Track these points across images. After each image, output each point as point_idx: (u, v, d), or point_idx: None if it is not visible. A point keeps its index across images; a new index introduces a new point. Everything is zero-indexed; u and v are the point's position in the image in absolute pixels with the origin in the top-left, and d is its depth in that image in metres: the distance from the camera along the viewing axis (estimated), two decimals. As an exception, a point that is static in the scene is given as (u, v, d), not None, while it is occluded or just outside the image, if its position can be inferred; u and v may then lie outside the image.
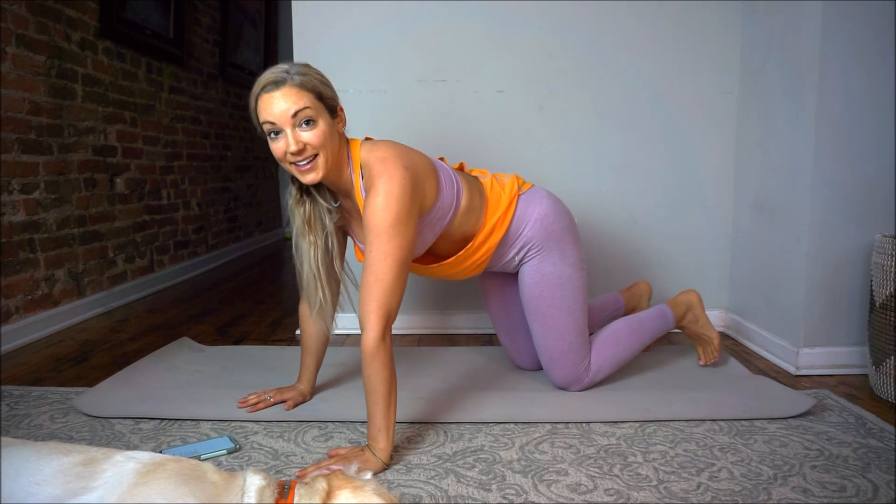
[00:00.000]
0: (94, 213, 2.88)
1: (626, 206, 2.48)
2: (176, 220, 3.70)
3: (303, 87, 1.40)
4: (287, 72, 1.41)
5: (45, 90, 2.53)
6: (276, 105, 1.39)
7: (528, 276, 1.76)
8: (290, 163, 1.45)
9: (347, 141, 1.55)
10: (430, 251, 1.71)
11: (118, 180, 3.07)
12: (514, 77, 2.42)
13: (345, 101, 2.40)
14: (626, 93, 2.43)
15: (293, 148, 1.41)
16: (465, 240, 1.70)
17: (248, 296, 3.26)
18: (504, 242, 1.72)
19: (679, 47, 2.41)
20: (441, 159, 1.70)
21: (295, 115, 1.39)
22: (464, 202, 1.64)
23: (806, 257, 2.00)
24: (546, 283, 1.74)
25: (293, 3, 2.39)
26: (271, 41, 5.47)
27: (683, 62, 2.42)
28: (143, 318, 2.80)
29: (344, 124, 1.51)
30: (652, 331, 1.93)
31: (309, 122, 1.41)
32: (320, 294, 1.57)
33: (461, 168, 1.80)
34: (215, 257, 4.27)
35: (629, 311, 2.19)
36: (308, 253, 1.56)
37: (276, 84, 1.40)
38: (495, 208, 1.69)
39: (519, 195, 1.74)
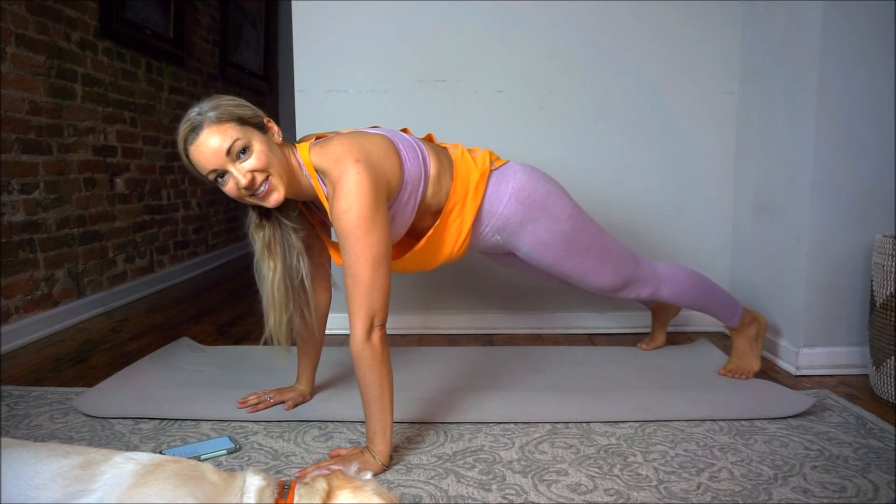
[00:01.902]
0: (94, 213, 2.88)
1: (625, 206, 2.48)
2: (176, 220, 3.70)
3: (220, 120, 1.37)
4: (200, 113, 1.38)
5: (45, 90, 2.53)
6: (206, 149, 1.37)
7: (531, 252, 1.71)
8: (248, 196, 1.43)
9: (294, 146, 1.51)
10: (409, 234, 1.66)
11: (118, 180, 3.07)
12: (514, 77, 2.42)
13: (345, 100, 2.42)
14: (626, 93, 2.43)
15: (244, 182, 1.38)
16: (440, 213, 1.63)
17: (248, 296, 3.26)
18: (479, 221, 1.65)
19: (679, 47, 2.41)
20: (404, 130, 1.65)
21: (228, 151, 1.37)
22: (433, 169, 1.56)
23: (806, 257, 2.00)
24: (551, 247, 1.69)
25: (293, 3, 2.39)
26: (271, 41, 5.46)
27: (683, 62, 2.42)
28: (143, 318, 2.80)
29: (278, 134, 1.46)
30: (719, 301, 1.93)
31: (244, 150, 1.38)
32: (273, 319, 1.53)
33: (430, 139, 1.72)
34: (215, 257, 4.27)
35: (659, 307, 2.26)
36: (267, 277, 1.53)
37: (196, 130, 1.37)
38: (465, 178, 1.61)
39: (491, 171, 1.65)
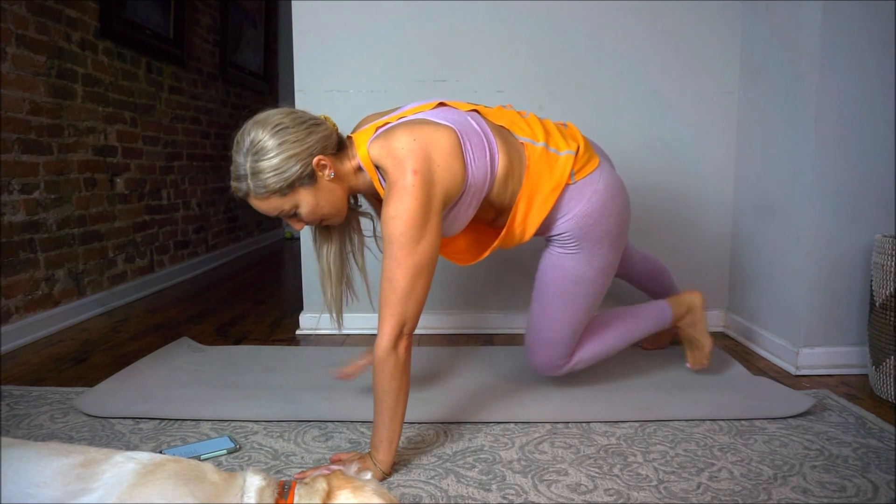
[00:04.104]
0: (94, 213, 2.88)
1: (626, 206, 2.49)
2: (176, 220, 3.70)
3: (265, 195, 1.36)
4: (243, 176, 1.35)
5: (45, 90, 2.53)
6: (260, 210, 1.42)
7: (548, 257, 1.67)
8: None
9: (352, 147, 1.46)
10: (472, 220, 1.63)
11: (118, 180, 3.07)
12: (514, 77, 2.42)
13: (345, 100, 2.43)
14: (626, 93, 2.43)
15: (298, 231, 1.51)
16: (505, 210, 1.59)
17: (248, 296, 3.26)
18: (539, 228, 1.63)
19: (679, 47, 2.41)
20: (475, 109, 1.56)
21: (277, 216, 1.44)
22: (500, 169, 1.50)
23: (806, 257, 2.00)
24: (561, 274, 1.65)
25: (293, 3, 2.39)
26: (271, 41, 5.47)
27: (683, 62, 2.42)
28: (143, 318, 2.80)
29: (331, 169, 1.40)
30: (645, 328, 1.86)
31: (294, 213, 1.42)
32: (329, 292, 1.59)
33: (510, 119, 1.60)
34: (215, 257, 4.27)
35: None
36: (322, 250, 1.58)
37: (244, 195, 1.39)
38: (535, 185, 1.54)
39: (568, 185, 1.57)
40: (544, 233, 1.66)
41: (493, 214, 1.63)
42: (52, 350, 2.31)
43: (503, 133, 1.55)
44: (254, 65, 5.00)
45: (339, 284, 1.59)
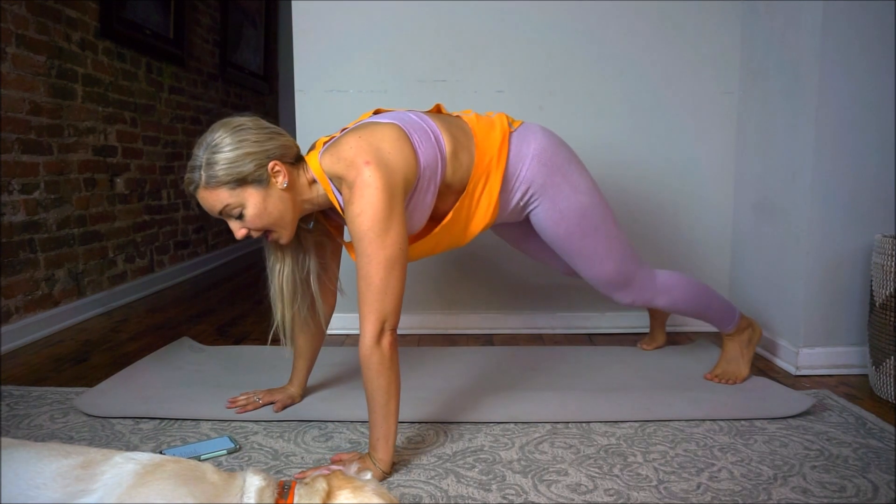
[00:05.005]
0: (94, 213, 2.88)
1: (625, 207, 2.48)
2: (176, 220, 3.70)
3: (214, 186, 1.37)
4: (198, 167, 1.37)
5: (45, 90, 2.53)
6: (203, 206, 1.42)
7: (544, 219, 1.66)
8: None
9: (304, 164, 1.47)
10: (432, 219, 1.62)
11: (118, 180, 3.07)
12: (514, 77, 2.42)
13: (345, 100, 2.43)
14: (626, 93, 2.43)
15: (239, 236, 1.44)
16: (465, 188, 1.57)
17: (248, 296, 3.26)
18: (504, 187, 1.60)
19: (679, 47, 2.41)
20: (408, 110, 1.59)
21: (221, 212, 1.41)
22: (448, 146, 1.50)
23: (806, 257, 2.00)
24: (568, 219, 1.64)
25: (293, 3, 2.39)
26: (271, 41, 5.46)
27: (683, 62, 2.42)
28: (143, 318, 2.80)
29: (285, 177, 1.41)
30: (719, 307, 1.88)
31: (238, 213, 1.40)
32: (279, 314, 1.54)
33: (438, 110, 1.65)
34: (215, 257, 4.27)
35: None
36: (274, 270, 1.54)
37: (192, 187, 1.40)
38: (485, 144, 1.55)
39: (511, 132, 1.60)
40: (510, 199, 1.62)
41: (452, 200, 1.59)
42: (52, 350, 2.31)
43: (439, 116, 1.59)
44: (254, 65, 5.00)
45: (290, 307, 1.54)
